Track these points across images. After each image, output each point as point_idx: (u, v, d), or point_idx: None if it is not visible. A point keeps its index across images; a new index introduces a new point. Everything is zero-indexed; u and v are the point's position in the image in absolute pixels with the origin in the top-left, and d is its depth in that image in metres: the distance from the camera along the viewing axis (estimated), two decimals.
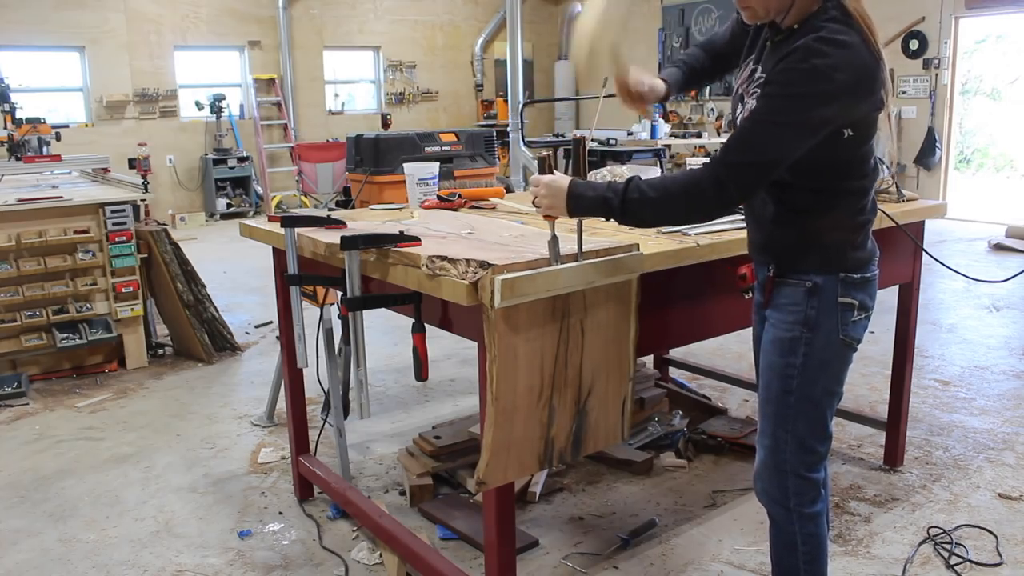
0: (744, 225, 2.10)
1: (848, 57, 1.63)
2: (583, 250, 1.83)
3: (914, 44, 9.46)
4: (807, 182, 1.76)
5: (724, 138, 9.16)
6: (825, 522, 1.97)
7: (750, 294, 2.10)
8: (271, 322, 5.37)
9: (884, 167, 2.31)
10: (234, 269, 7.14)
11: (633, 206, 1.72)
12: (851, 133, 1.70)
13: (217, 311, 4.85)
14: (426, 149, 4.52)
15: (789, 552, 1.94)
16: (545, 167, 1.84)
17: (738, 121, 1.85)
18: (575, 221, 1.83)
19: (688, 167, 3.42)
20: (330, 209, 5.48)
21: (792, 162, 1.68)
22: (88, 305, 4.43)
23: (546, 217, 1.83)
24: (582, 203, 1.76)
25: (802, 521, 1.90)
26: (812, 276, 1.81)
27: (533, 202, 1.84)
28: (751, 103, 1.76)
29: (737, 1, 1.81)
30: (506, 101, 10.03)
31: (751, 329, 2.08)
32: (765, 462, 1.91)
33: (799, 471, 1.88)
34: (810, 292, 1.81)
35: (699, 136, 9.82)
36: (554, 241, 1.80)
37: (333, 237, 2.16)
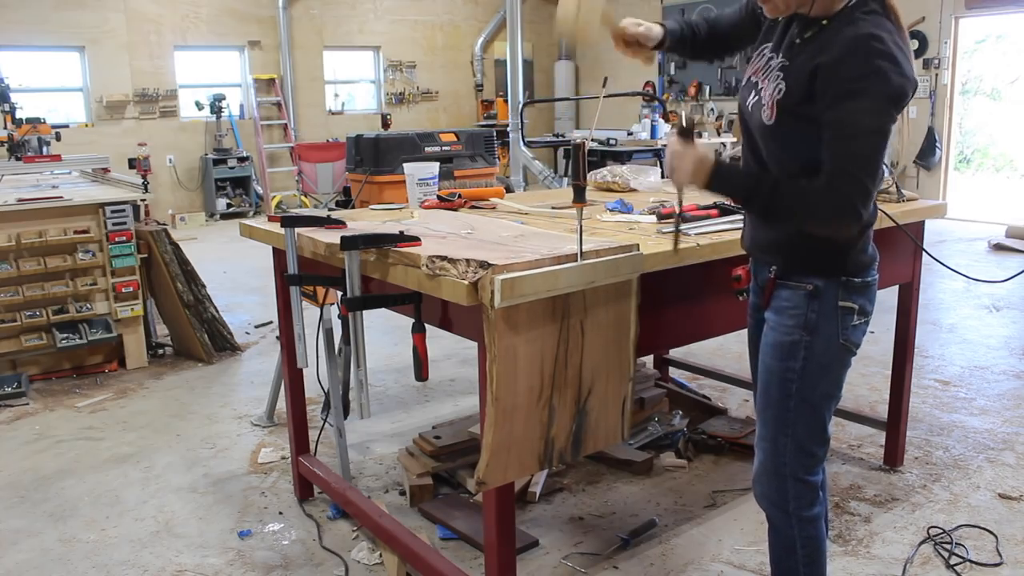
0: (743, 224, 2.10)
1: (900, 52, 1.63)
2: (583, 250, 1.83)
3: (914, 44, 9.46)
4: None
5: (724, 138, 9.07)
6: (824, 524, 1.97)
7: (744, 296, 2.09)
8: (271, 322, 5.37)
9: (885, 167, 2.30)
10: (234, 269, 7.14)
11: (775, 212, 1.73)
12: None
13: (217, 311, 4.85)
14: (426, 149, 4.52)
15: (788, 555, 1.94)
16: (691, 134, 1.75)
17: (750, 108, 1.82)
18: (575, 221, 1.83)
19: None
20: (330, 209, 5.48)
21: (811, 161, 1.68)
22: (88, 305, 4.43)
23: (675, 184, 1.80)
24: (725, 186, 1.75)
25: (801, 524, 1.90)
26: (814, 279, 1.80)
27: (671, 163, 1.76)
28: (776, 93, 1.74)
29: None
30: (506, 101, 10.04)
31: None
32: (764, 465, 1.91)
33: (798, 474, 1.87)
34: (811, 295, 1.80)
35: (699, 136, 9.82)
36: (680, 218, 1.81)
37: (333, 237, 2.16)
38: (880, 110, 1.61)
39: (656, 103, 9.63)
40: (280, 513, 2.93)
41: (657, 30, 2.02)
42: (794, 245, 1.82)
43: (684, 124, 1.74)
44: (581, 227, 1.82)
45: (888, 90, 1.60)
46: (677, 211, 1.84)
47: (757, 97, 1.80)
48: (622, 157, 8.51)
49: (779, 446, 1.87)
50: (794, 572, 1.94)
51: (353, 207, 4.53)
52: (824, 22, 1.71)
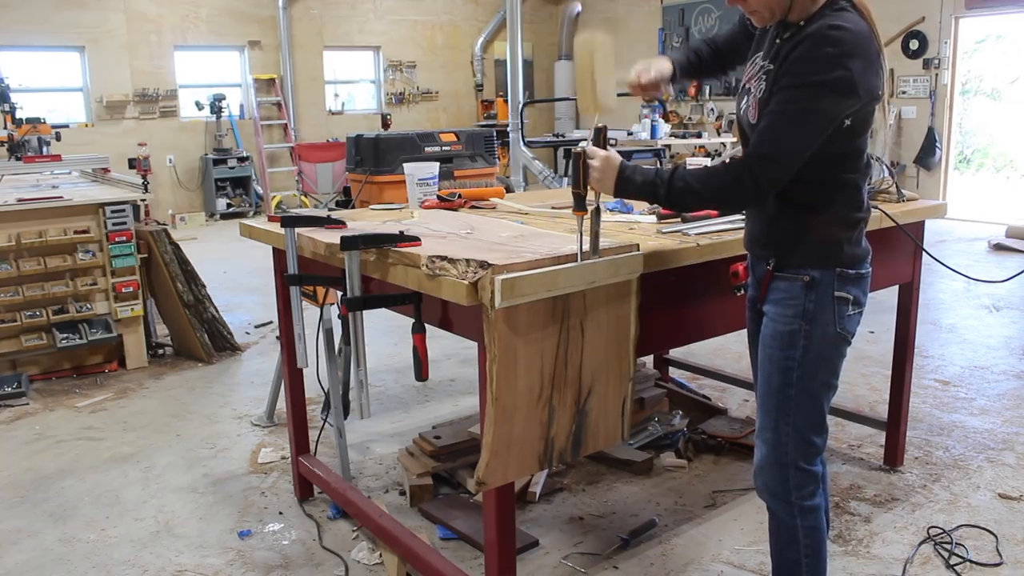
0: (744, 224, 2.11)
1: (858, 44, 1.68)
2: (583, 250, 1.84)
3: (914, 44, 9.46)
4: (803, 174, 1.78)
5: (724, 138, 9.15)
6: (824, 517, 1.99)
7: (742, 291, 2.13)
8: (271, 322, 5.37)
9: (883, 166, 2.31)
10: (234, 269, 7.14)
11: (677, 195, 1.81)
12: (848, 123, 1.75)
13: (217, 311, 4.84)
14: (426, 149, 4.53)
15: (790, 546, 1.96)
16: (600, 140, 1.87)
17: (743, 112, 1.89)
18: (576, 222, 1.84)
19: (688, 166, 3.44)
20: (330, 209, 5.48)
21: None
22: (88, 305, 4.43)
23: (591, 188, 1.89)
24: (629, 185, 1.84)
25: (803, 514, 1.93)
26: (810, 271, 1.85)
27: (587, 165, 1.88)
28: (758, 93, 1.81)
29: (743, 8, 1.85)
30: (506, 101, 10.03)
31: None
32: (766, 456, 1.94)
33: (799, 463, 1.91)
34: (808, 286, 1.85)
35: (699, 136, 9.81)
36: (597, 212, 1.85)
37: (333, 237, 2.16)
38: (811, 95, 1.69)
39: (656, 103, 9.62)
40: (280, 513, 2.93)
41: (668, 67, 2.14)
42: (789, 239, 1.87)
43: (595, 134, 1.87)
44: (581, 234, 1.83)
45: (825, 77, 1.67)
46: (595, 206, 1.89)
47: (748, 101, 1.87)
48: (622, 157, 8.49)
49: (781, 435, 1.90)
50: (796, 563, 1.96)
51: (353, 207, 4.54)
52: (801, 23, 1.78)
